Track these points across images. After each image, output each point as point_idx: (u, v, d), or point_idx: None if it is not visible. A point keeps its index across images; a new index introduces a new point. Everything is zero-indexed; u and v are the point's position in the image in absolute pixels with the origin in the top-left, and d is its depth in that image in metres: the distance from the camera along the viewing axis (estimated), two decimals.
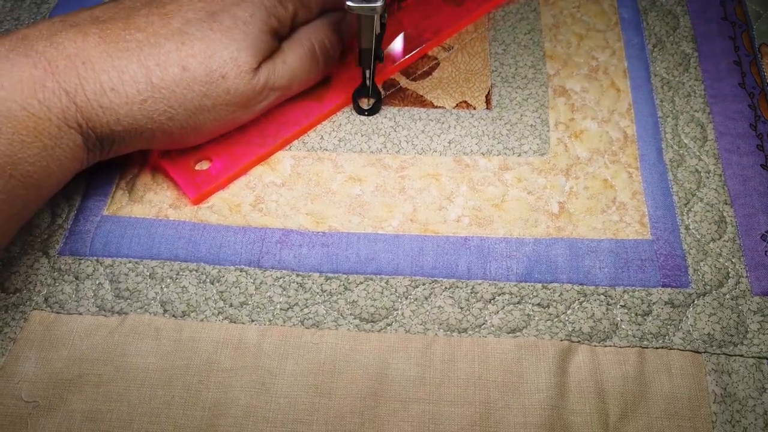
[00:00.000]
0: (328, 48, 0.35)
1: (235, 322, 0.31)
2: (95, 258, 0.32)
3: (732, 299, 0.31)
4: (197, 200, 0.34)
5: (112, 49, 0.29)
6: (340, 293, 0.31)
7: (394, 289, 0.31)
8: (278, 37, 0.33)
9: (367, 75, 0.36)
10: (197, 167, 0.35)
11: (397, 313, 0.31)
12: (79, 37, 0.29)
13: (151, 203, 0.34)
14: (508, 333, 0.30)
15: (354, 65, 0.38)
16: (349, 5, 0.30)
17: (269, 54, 0.32)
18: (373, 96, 0.37)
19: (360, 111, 0.37)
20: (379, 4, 0.30)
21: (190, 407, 0.28)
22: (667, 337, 0.30)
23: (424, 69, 0.39)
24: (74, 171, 0.30)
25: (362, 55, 0.34)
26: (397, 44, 0.39)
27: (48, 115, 0.28)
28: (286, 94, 0.34)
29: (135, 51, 0.29)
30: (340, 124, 0.37)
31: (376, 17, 0.31)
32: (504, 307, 0.31)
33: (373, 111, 0.37)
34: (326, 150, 0.36)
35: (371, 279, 0.32)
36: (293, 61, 0.33)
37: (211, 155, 0.35)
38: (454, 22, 0.40)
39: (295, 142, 0.36)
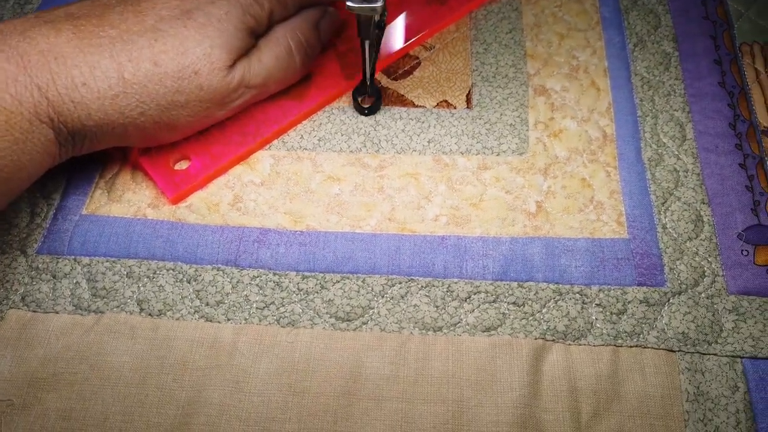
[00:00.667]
0: (305, 46, 0.35)
1: (210, 321, 0.30)
2: (73, 257, 0.32)
3: (707, 298, 0.31)
4: (176, 200, 0.34)
5: (84, 45, 0.29)
6: (317, 292, 0.31)
7: (370, 288, 0.31)
8: (254, 35, 0.33)
9: (367, 72, 0.36)
10: (176, 167, 0.35)
11: (373, 312, 0.31)
12: (52, 33, 0.29)
13: (130, 202, 0.34)
14: (483, 331, 0.30)
15: (335, 64, 0.38)
16: (349, 5, 0.30)
17: (245, 52, 0.32)
18: (372, 94, 0.37)
19: (360, 110, 0.37)
20: (379, 4, 0.30)
21: (164, 406, 0.28)
22: (641, 335, 0.30)
23: (405, 68, 0.39)
24: (46, 166, 0.30)
25: (363, 44, 0.33)
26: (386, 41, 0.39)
27: (20, 109, 0.28)
28: (263, 92, 0.34)
29: (107, 47, 0.29)
30: (321, 123, 0.37)
31: (376, 17, 0.31)
32: (479, 305, 0.31)
33: (372, 110, 0.37)
34: (306, 149, 0.36)
35: (348, 278, 0.32)
36: (269, 59, 0.33)
37: (190, 154, 0.35)
38: (437, 21, 0.40)
39: (275, 141, 0.36)
